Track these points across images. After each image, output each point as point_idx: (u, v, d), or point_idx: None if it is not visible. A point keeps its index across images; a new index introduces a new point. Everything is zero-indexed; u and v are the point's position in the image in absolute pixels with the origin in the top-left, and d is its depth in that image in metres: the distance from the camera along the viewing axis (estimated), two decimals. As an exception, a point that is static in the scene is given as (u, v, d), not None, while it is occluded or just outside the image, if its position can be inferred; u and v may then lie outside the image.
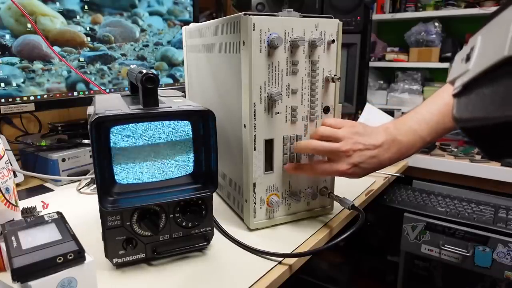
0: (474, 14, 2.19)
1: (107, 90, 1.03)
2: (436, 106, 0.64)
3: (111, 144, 0.50)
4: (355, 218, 0.74)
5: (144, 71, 0.51)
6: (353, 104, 1.49)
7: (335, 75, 0.66)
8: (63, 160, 0.90)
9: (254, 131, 0.63)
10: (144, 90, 0.51)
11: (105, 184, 0.50)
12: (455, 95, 0.28)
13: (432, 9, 2.35)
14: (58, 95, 0.94)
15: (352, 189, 0.88)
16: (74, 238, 0.45)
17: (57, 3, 0.91)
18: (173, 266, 0.56)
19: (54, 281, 0.42)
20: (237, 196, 0.71)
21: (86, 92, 0.99)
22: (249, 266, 0.56)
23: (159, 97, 0.55)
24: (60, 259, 0.42)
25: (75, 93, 0.98)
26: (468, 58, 0.27)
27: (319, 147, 0.63)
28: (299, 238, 0.65)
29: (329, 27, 0.65)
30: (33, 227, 0.48)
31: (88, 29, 0.97)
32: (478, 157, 1.17)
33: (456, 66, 0.30)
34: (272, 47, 0.60)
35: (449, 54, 2.29)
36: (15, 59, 0.86)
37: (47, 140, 0.95)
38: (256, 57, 0.60)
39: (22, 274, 0.40)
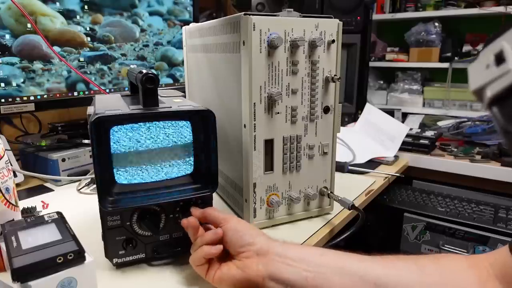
0: (474, 14, 2.19)
1: (107, 90, 1.03)
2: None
3: (111, 144, 0.50)
4: (355, 218, 0.74)
5: (144, 71, 0.51)
6: (353, 104, 1.49)
7: (335, 75, 0.66)
8: (63, 160, 0.90)
9: (254, 131, 0.63)
10: (144, 90, 0.51)
11: (105, 184, 0.50)
12: (494, 102, 0.26)
13: (432, 9, 2.35)
14: (58, 95, 0.94)
15: (352, 189, 0.88)
16: (74, 238, 0.45)
17: (57, 3, 0.91)
18: (173, 266, 0.56)
19: (54, 281, 0.42)
20: (237, 196, 0.71)
21: (86, 92, 0.99)
22: (249, 266, 0.56)
23: (159, 97, 0.55)
24: (60, 259, 0.42)
25: (75, 93, 0.98)
26: (500, 61, 0.25)
27: None
28: (299, 238, 0.65)
29: (329, 27, 0.65)
30: (33, 227, 0.48)
31: (88, 29, 0.97)
32: (478, 157, 1.17)
33: (479, 73, 0.28)
34: (272, 47, 0.60)
35: (449, 54, 2.29)
36: (15, 59, 0.86)
37: (47, 140, 0.95)
38: (256, 57, 0.60)
39: (22, 274, 0.40)
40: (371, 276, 0.44)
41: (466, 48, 2.34)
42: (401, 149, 1.17)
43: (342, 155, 1.09)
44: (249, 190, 0.65)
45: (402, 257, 0.47)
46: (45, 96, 0.92)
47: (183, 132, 0.55)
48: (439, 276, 0.42)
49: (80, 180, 0.89)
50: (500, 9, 2.07)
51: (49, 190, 0.88)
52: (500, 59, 0.25)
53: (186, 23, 1.11)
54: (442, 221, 1.00)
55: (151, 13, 1.10)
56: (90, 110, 0.58)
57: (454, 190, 1.19)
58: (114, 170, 0.51)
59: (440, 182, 1.23)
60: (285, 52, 0.62)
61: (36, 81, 0.90)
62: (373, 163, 1.09)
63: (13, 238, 0.45)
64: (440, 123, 1.55)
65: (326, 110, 0.68)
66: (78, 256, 0.43)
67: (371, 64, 2.26)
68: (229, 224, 0.51)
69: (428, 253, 1.03)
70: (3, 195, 0.54)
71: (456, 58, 2.27)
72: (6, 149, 0.60)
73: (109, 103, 0.57)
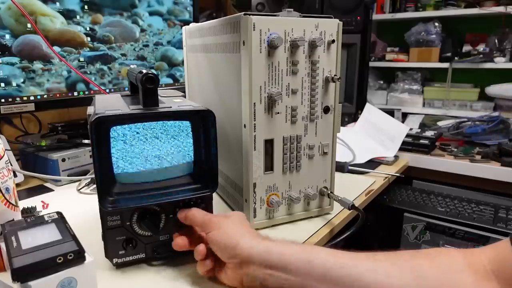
0: (474, 14, 2.19)
1: (107, 90, 1.03)
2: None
3: (111, 144, 0.50)
4: (355, 218, 0.74)
5: (144, 71, 0.51)
6: (353, 104, 1.49)
7: (335, 75, 0.66)
8: (63, 160, 0.90)
9: (254, 131, 0.63)
10: (144, 90, 0.51)
11: (105, 184, 0.50)
12: None
13: (432, 9, 2.35)
14: (58, 95, 0.94)
15: (352, 189, 0.88)
16: (74, 238, 0.45)
17: (57, 3, 0.91)
18: (173, 266, 0.56)
19: (54, 281, 0.42)
20: (237, 196, 0.71)
21: (86, 92, 0.99)
22: (249, 266, 0.56)
23: (159, 97, 0.55)
24: (60, 259, 0.42)
25: (75, 93, 0.98)
26: None
27: None
28: (299, 238, 0.65)
29: (329, 27, 0.65)
30: (33, 227, 0.48)
31: (88, 29, 0.97)
32: (478, 157, 1.17)
33: None
34: (272, 47, 0.60)
35: (449, 54, 2.29)
36: (15, 59, 0.86)
37: (47, 140, 0.95)
38: (256, 57, 0.60)
39: (22, 274, 0.40)
40: (362, 286, 0.42)
41: (466, 48, 2.33)
42: (401, 149, 1.17)
43: (342, 155, 1.09)
44: (249, 190, 0.65)
45: (397, 259, 0.44)
46: (45, 96, 0.92)
47: (183, 132, 0.55)
48: (435, 279, 0.42)
49: (80, 180, 0.89)
50: (500, 9, 2.07)
51: (49, 190, 0.88)
52: None
53: (186, 23, 1.11)
54: (442, 221, 1.00)
55: (151, 13, 1.10)
56: (90, 110, 0.58)
57: (454, 190, 1.19)
58: (114, 170, 0.51)
59: (440, 182, 1.23)
60: (285, 52, 0.62)
61: (36, 81, 0.90)
62: (373, 163, 1.09)
63: (13, 238, 0.45)
64: (440, 123, 1.55)
65: (326, 110, 0.68)
66: (78, 256, 0.43)
67: (371, 64, 2.26)
68: (210, 234, 0.50)
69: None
70: (3, 195, 0.54)
71: (456, 58, 2.26)
72: (6, 149, 0.60)
73: (109, 103, 0.57)
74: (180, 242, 0.54)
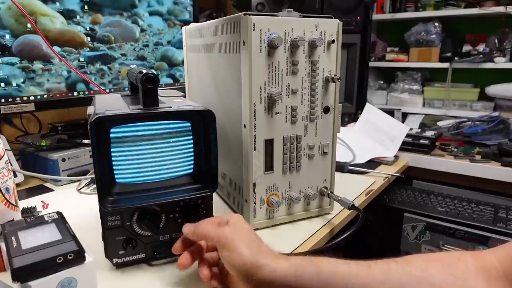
0: (474, 14, 2.19)
1: (107, 90, 1.03)
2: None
3: (111, 144, 0.50)
4: (355, 218, 0.74)
5: (144, 71, 0.51)
6: (353, 104, 1.49)
7: (335, 75, 0.66)
8: (63, 160, 0.90)
9: (254, 131, 0.63)
10: (144, 90, 0.51)
11: (105, 184, 0.50)
12: None
13: (432, 9, 2.35)
14: (58, 95, 0.94)
15: (352, 189, 0.88)
16: (74, 238, 0.45)
17: (57, 3, 0.91)
18: (173, 266, 0.56)
19: (54, 281, 0.42)
20: (237, 196, 0.71)
21: (86, 92, 0.99)
22: (249, 266, 0.56)
23: (159, 97, 0.55)
24: (60, 259, 0.42)
25: (75, 93, 0.98)
26: None
27: None
28: (299, 238, 0.65)
29: (329, 27, 0.65)
30: (33, 227, 0.48)
31: (88, 29, 0.97)
32: (478, 157, 1.17)
33: None
34: (272, 47, 0.60)
35: (449, 54, 2.29)
36: (15, 59, 0.86)
37: (47, 140, 0.95)
38: (256, 57, 0.60)
39: (22, 274, 0.40)
40: None
41: (466, 48, 2.33)
42: (401, 149, 1.17)
43: (342, 155, 1.09)
44: (249, 190, 0.65)
45: (412, 267, 0.43)
46: (45, 96, 0.92)
47: (183, 132, 0.55)
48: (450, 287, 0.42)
49: (80, 180, 0.89)
50: (500, 9, 2.07)
51: (49, 190, 0.88)
52: None
53: (186, 23, 1.10)
54: (442, 221, 1.00)
55: (151, 13, 1.10)
56: (90, 110, 0.58)
57: (454, 190, 1.19)
58: (114, 170, 0.51)
59: (440, 182, 1.23)
60: (285, 52, 0.62)
61: (36, 81, 0.90)
62: (373, 163, 1.09)
63: (13, 238, 0.45)
64: (440, 123, 1.55)
65: (326, 110, 0.68)
66: (78, 256, 0.43)
67: (371, 64, 2.26)
68: (225, 255, 0.47)
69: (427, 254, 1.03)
70: (3, 195, 0.54)
71: (456, 58, 2.26)
72: (6, 149, 0.60)
73: (109, 103, 0.57)
74: (184, 261, 0.51)
